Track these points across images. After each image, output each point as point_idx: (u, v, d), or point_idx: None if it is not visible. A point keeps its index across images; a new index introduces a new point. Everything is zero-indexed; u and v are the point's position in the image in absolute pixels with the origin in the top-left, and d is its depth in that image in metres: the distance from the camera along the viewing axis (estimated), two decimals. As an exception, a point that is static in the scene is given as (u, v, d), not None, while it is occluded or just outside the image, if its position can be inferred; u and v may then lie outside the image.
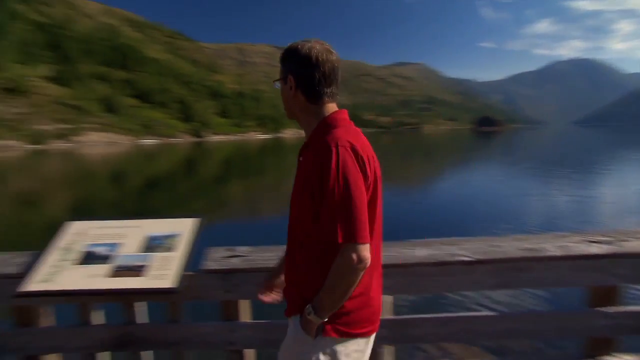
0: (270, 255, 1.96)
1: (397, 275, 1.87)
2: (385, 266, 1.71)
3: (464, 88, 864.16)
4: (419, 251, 1.93)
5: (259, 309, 2.03)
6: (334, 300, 1.19)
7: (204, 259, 2.00)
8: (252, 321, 2.04)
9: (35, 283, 1.86)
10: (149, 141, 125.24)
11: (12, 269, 2.01)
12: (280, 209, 13.22)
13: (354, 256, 1.11)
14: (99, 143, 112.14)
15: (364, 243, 1.12)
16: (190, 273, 1.92)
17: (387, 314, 1.92)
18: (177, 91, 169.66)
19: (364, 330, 1.25)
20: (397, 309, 2.01)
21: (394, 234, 1.82)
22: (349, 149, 1.16)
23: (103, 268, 1.89)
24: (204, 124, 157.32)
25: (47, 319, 2.10)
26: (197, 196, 17.63)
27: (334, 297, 1.19)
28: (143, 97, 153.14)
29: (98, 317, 2.05)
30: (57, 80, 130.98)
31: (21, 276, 1.91)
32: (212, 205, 15.09)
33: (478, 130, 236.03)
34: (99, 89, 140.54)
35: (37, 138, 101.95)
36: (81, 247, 2.02)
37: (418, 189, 17.91)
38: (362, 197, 1.15)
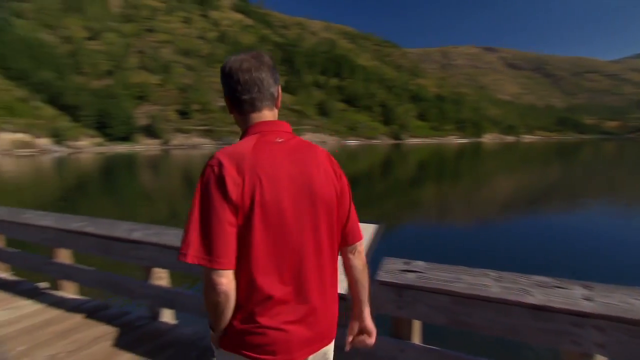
0: (448, 277, 1.75)
1: (617, 332, 1.42)
2: (601, 316, 1.44)
3: None
4: None
5: (433, 332, 1.89)
6: (210, 317, 1.16)
7: (379, 269, 1.89)
8: (422, 345, 1.85)
9: None
10: (352, 142, 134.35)
11: None
12: (465, 222, 12.40)
13: (206, 280, 1.07)
14: (312, 142, 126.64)
15: (214, 268, 1.05)
16: None
17: None
18: (381, 95, 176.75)
19: (254, 356, 1.14)
20: None
21: (615, 276, 1.45)
22: (215, 167, 1.08)
23: None
24: (403, 127, 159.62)
25: None
26: (388, 197, 18.10)
27: (209, 314, 1.16)
28: (350, 101, 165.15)
29: None
30: (286, 89, 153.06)
31: None
32: (398, 208, 15.24)
33: None
34: (316, 95, 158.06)
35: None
36: None
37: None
38: (212, 217, 1.05)
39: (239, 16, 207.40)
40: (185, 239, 1.07)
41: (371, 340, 1.39)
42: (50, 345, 2.71)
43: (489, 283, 1.66)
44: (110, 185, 25.18)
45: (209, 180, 1.08)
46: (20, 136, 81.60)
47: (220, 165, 1.08)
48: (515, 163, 40.79)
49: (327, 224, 1.20)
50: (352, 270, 1.32)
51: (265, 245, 1.10)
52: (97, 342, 2.74)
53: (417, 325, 1.88)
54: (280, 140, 1.19)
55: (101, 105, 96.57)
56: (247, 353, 1.14)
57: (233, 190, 1.06)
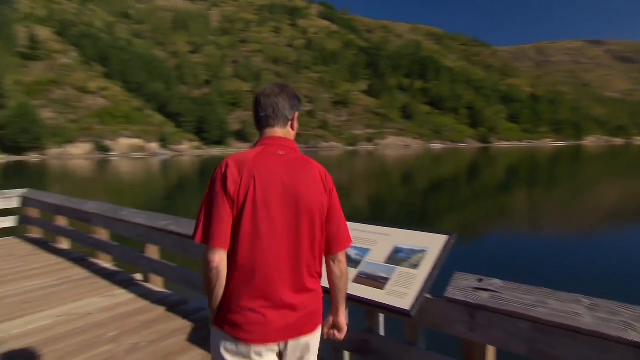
0: (529, 299, 1.49)
1: None
2: None
3: None
4: None
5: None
6: (206, 293, 1.34)
7: (449, 284, 1.69)
8: None
9: None
10: (437, 145, 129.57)
11: None
12: (556, 236, 10.96)
13: (203, 258, 1.27)
14: (395, 146, 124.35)
15: (209, 247, 1.25)
16: (431, 297, 1.70)
17: None
18: (468, 97, 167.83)
19: (232, 333, 1.28)
20: None
21: None
22: (222, 167, 1.31)
23: (351, 271, 1.81)
24: (491, 130, 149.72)
25: None
26: (470, 204, 17.06)
27: (205, 291, 1.34)
28: (435, 104, 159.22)
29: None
30: (369, 92, 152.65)
31: None
32: (480, 216, 14.25)
33: None
34: (400, 98, 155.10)
35: (352, 141, 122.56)
36: None
37: None
38: (213, 206, 1.27)
39: (325, 23, 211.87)
40: (196, 223, 1.31)
41: (340, 335, 1.51)
42: (136, 333, 2.97)
43: (581, 311, 1.39)
44: (205, 185, 27.33)
45: (216, 177, 1.31)
46: (135, 141, 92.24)
47: (227, 166, 1.31)
48: (622, 168, 35.96)
49: (309, 228, 1.34)
50: (331, 275, 1.45)
51: (251, 236, 1.28)
52: (174, 334, 2.94)
53: (491, 351, 1.65)
54: (281, 153, 1.38)
55: (200, 112, 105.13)
56: (228, 329, 1.29)
57: (232, 187, 1.27)
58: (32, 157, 75.47)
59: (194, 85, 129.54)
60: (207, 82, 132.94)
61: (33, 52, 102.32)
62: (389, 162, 53.29)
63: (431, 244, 1.83)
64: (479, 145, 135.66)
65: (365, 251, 1.93)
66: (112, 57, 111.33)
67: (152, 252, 3.96)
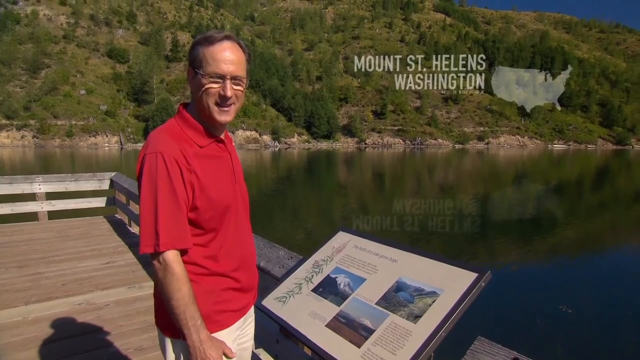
0: None
1: None
2: None
3: None
4: None
5: None
6: None
7: (465, 355, 1.03)
8: None
9: (271, 300, 1.47)
10: (559, 146, 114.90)
11: (279, 271, 1.71)
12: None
13: None
14: (509, 145, 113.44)
15: None
16: None
17: None
18: (602, 92, 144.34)
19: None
20: None
21: None
22: None
23: (330, 309, 1.28)
24: (631, 130, 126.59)
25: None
26: (581, 217, 14.32)
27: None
28: (560, 99, 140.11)
29: None
30: (483, 88, 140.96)
31: (280, 281, 1.58)
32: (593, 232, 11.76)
33: None
34: (517, 94, 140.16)
35: (462, 138, 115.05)
36: (329, 267, 1.47)
37: None
38: None
39: (440, 16, 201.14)
40: None
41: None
42: (131, 337, 2.78)
43: None
44: (312, 177, 28.25)
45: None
46: (250, 133, 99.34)
47: None
48: None
49: None
50: None
51: None
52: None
53: None
54: None
55: (310, 107, 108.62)
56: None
57: None
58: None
59: (307, 82, 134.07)
60: (319, 78, 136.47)
61: (174, 54, 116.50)
62: (499, 162, 48.73)
63: (449, 285, 1.16)
64: (612, 147, 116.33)
65: (359, 281, 1.33)
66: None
67: None
